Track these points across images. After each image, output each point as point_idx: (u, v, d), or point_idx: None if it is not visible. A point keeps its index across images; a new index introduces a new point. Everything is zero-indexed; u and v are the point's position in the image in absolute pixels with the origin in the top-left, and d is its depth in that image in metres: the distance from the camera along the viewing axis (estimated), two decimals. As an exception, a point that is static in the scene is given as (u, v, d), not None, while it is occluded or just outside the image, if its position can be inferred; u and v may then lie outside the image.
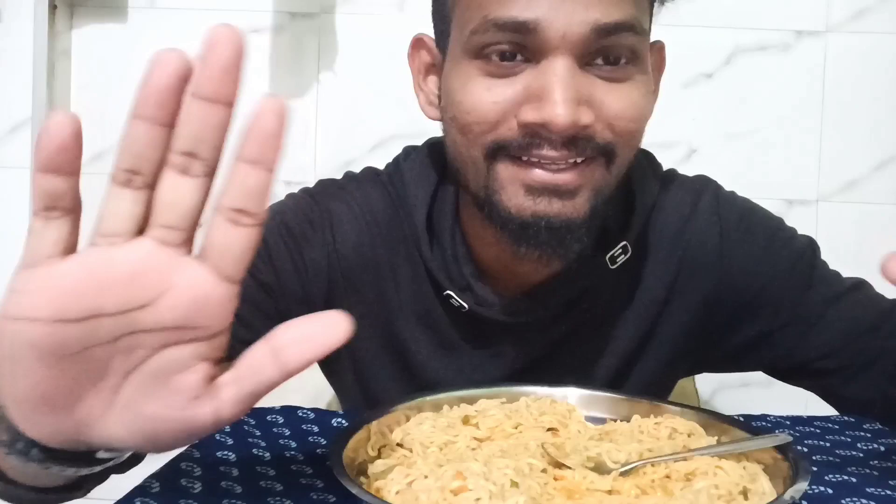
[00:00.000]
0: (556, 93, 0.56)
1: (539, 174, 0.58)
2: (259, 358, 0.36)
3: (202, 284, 0.34)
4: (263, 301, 0.71)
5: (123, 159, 0.33)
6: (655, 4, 0.64)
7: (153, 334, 0.34)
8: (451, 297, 0.69)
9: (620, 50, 0.58)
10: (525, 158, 0.59)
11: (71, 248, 0.34)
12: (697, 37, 1.34)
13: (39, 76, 1.35)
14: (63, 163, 0.32)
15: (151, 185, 0.34)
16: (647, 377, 0.76)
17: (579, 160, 0.59)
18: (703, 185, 0.76)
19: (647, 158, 0.74)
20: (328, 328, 0.36)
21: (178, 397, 0.36)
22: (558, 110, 0.55)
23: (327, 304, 0.72)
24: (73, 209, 0.34)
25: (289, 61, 1.41)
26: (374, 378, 0.76)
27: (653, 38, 0.66)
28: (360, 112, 1.39)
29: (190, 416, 0.36)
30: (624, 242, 0.69)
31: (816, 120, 1.36)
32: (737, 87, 1.36)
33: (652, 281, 0.73)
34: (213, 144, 0.34)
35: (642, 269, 0.73)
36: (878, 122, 1.35)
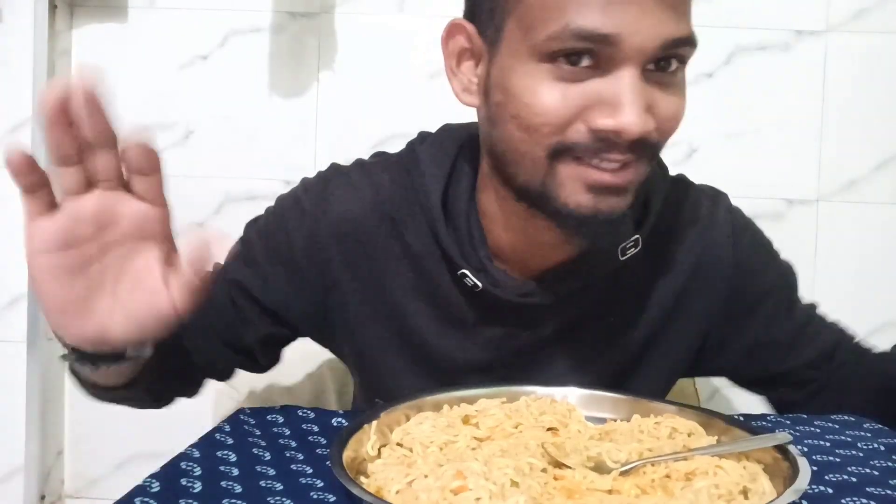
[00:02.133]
0: (631, 103, 0.59)
1: (602, 175, 0.62)
2: (183, 265, 0.52)
3: (141, 209, 0.52)
4: (259, 288, 0.76)
5: (52, 152, 0.49)
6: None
7: (122, 246, 0.52)
8: (466, 276, 0.71)
9: (672, 59, 0.62)
10: (587, 159, 0.62)
11: (53, 205, 0.51)
12: (697, 37, 1.34)
13: (39, 76, 1.34)
14: (29, 171, 0.49)
15: (78, 162, 0.49)
16: (651, 376, 0.78)
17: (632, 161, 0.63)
18: (718, 196, 0.80)
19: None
20: (218, 240, 0.51)
21: (146, 292, 0.53)
22: (632, 119, 0.59)
23: (324, 282, 0.75)
24: (47, 183, 0.50)
25: (289, 61, 1.41)
26: (379, 357, 0.77)
27: None
28: (360, 112, 1.39)
29: (157, 305, 0.53)
30: (636, 236, 0.72)
31: (816, 120, 1.36)
32: (737, 87, 1.36)
33: (664, 280, 0.76)
34: (103, 139, 0.49)
35: (655, 267, 0.76)
36: (878, 122, 1.35)
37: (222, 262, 0.53)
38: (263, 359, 0.82)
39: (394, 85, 1.38)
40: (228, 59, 1.41)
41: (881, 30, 1.34)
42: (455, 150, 0.75)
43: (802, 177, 1.36)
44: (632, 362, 0.77)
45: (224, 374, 0.83)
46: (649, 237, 0.73)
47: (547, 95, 0.61)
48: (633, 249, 0.72)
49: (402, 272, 0.75)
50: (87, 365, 0.58)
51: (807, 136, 1.36)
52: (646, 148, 0.62)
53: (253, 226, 0.80)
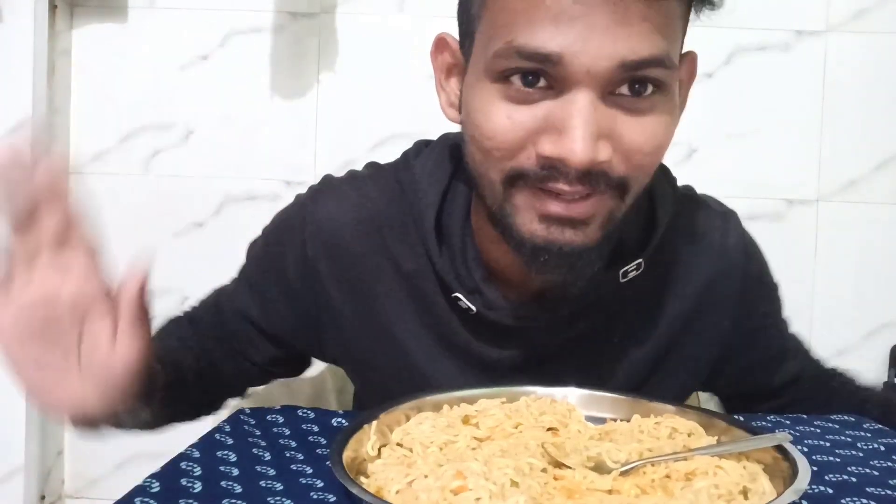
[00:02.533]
0: (576, 129, 0.54)
1: (553, 206, 0.58)
2: (120, 315, 0.53)
3: (73, 287, 0.51)
4: (258, 312, 0.76)
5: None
6: (690, 21, 0.63)
7: (69, 327, 0.52)
8: (459, 299, 0.69)
9: (647, 82, 0.56)
10: (541, 187, 0.58)
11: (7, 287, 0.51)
12: (697, 37, 1.34)
13: (39, 76, 1.34)
14: None
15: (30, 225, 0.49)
16: (662, 394, 0.76)
17: (590, 193, 0.58)
18: (729, 214, 0.77)
19: (662, 171, 0.72)
20: (128, 282, 0.53)
21: (102, 355, 0.53)
22: (577, 147, 0.54)
23: (316, 299, 0.74)
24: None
25: (289, 61, 1.40)
26: (373, 376, 0.76)
27: None
28: (360, 112, 1.39)
29: (115, 363, 0.53)
30: (639, 260, 0.68)
31: (816, 120, 1.36)
32: (737, 87, 1.36)
33: (672, 302, 0.73)
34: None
35: (663, 288, 0.73)
36: (878, 122, 1.35)
37: (145, 298, 0.53)
38: (285, 372, 0.83)
39: (394, 85, 1.38)
40: (229, 60, 1.41)
41: (881, 30, 1.34)
42: (451, 167, 0.71)
43: (802, 177, 1.36)
44: (637, 385, 0.74)
45: (258, 384, 0.85)
46: (656, 256, 0.70)
47: (495, 116, 0.57)
48: (634, 272, 0.69)
49: (393, 290, 0.72)
50: (95, 430, 0.60)
51: (807, 136, 1.36)
52: (603, 180, 0.57)
53: (251, 249, 0.79)
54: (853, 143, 1.35)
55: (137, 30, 1.42)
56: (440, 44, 0.66)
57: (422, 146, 0.76)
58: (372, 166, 0.78)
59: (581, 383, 0.67)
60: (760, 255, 0.79)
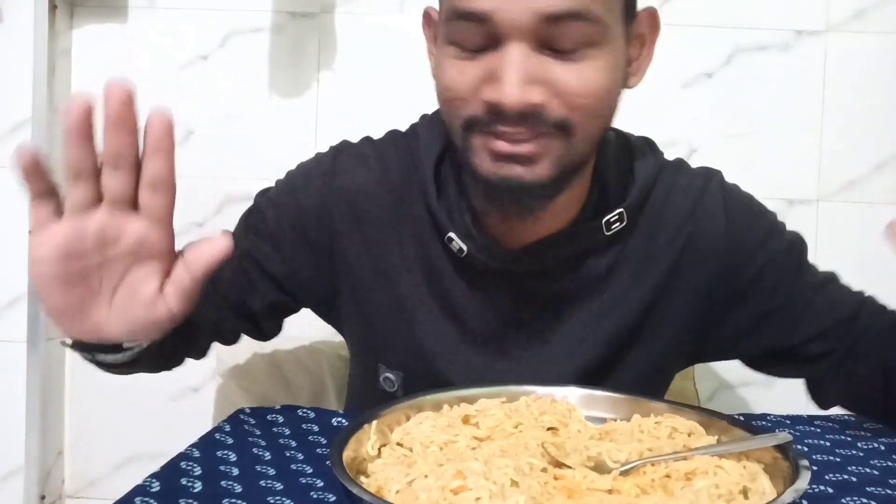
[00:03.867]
0: (508, 74, 0.62)
1: (501, 145, 0.65)
2: (178, 269, 0.56)
3: (142, 229, 0.54)
4: (267, 255, 0.79)
5: (69, 168, 0.52)
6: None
7: (119, 261, 0.55)
8: (453, 239, 0.74)
9: (572, 36, 0.63)
10: (491, 130, 0.65)
11: (59, 214, 0.53)
12: (697, 37, 1.34)
13: (39, 76, 1.34)
14: (39, 174, 0.52)
15: (92, 178, 0.52)
16: (647, 356, 0.78)
17: (535, 133, 0.65)
18: (711, 173, 0.81)
19: (648, 144, 0.80)
20: (215, 244, 0.55)
21: (142, 303, 0.56)
22: (508, 90, 0.62)
23: (332, 247, 0.79)
24: (55, 193, 0.53)
25: (289, 61, 1.41)
26: (378, 324, 0.79)
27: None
28: (359, 112, 1.39)
29: (153, 314, 0.56)
30: (620, 210, 0.74)
31: (816, 120, 1.36)
32: (737, 87, 1.36)
33: (657, 257, 0.77)
34: (127, 153, 0.52)
35: (647, 244, 0.77)
36: (878, 122, 1.35)
37: (216, 266, 0.56)
38: (266, 326, 0.84)
39: (394, 85, 1.38)
40: (228, 60, 1.41)
41: (881, 30, 1.34)
42: None
43: (802, 177, 1.36)
44: (627, 338, 0.77)
45: (229, 340, 0.85)
46: (640, 216, 0.76)
47: (449, 73, 0.66)
48: (618, 224, 0.74)
49: (401, 243, 0.78)
50: (86, 354, 0.63)
51: (807, 136, 1.36)
52: (542, 121, 0.64)
53: (263, 194, 0.83)
54: (853, 143, 1.35)
55: (137, 30, 1.42)
56: (427, 17, 0.74)
57: (427, 115, 0.82)
58: (390, 132, 0.84)
59: (572, 339, 0.74)
60: (753, 213, 0.79)
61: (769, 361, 0.81)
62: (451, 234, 0.74)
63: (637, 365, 0.77)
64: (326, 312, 0.85)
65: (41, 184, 0.52)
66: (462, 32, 0.64)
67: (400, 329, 0.78)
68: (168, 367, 0.78)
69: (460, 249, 0.74)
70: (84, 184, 0.52)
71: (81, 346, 0.62)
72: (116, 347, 0.62)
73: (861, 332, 0.76)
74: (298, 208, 0.79)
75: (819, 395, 0.80)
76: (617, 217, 0.74)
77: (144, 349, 0.64)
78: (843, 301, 0.78)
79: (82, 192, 0.52)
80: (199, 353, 0.83)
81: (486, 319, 0.76)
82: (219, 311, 0.79)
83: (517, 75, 0.62)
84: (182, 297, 0.56)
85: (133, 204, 0.53)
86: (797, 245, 0.80)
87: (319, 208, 0.78)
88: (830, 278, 0.80)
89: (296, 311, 0.85)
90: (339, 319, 0.84)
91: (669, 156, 0.82)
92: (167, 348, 0.70)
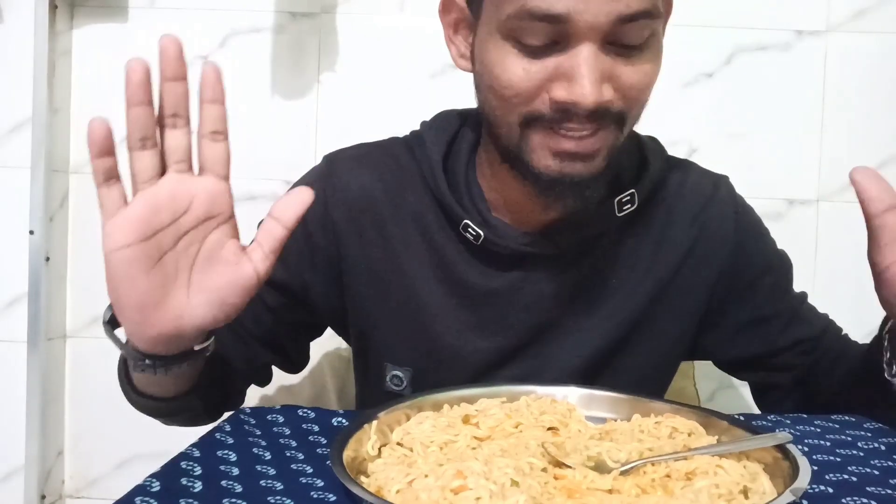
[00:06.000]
0: (584, 76, 0.63)
1: (566, 143, 0.66)
2: (268, 225, 0.58)
3: (210, 186, 0.57)
4: (279, 272, 0.76)
5: (134, 133, 0.53)
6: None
7: (196, 230, 0.56)
8: (469, 226, 0.75)
9: (640, 34, 0.65)
10: (554, 128, 0.66)
11: (125, 199, 0.54)
12: (697, 37, 1.34)
13: (39, 76, 1.34)
14: (109, 148, 0.53)
15: (155, 143, 0.54)
16: (653, 345, 0.79)
17: (597, 129, 0.66)
18: (721, 178, 0.85)
19: (652, 140, 0.83)
20: (299, 194, 0.59)
21: (226, 265, 0.57)
22: (586, 91, 0.63)
23: (337, 252, 0.79)
24: (118, 175, 0.54)
25: (289, 61, 1.41)
26: (384, 323, 0.80)
27: None
28: (360, 112, 1.39)
29: (239, 274, 0.57)
30: (632, 191, 0.76)
31: (816, 120, 1.36)
32: (737, 87, 1.36)
33: (665, 248, 0.79)
34: (183, 105, 0.55)
35: (658, 235, 0.79)
36: (878, 122, 1.35)
37: (304, 212, 0.59)
38: (293, 352, 0.85)
39: (395, 85, 1.38)
40: (229, 60, 1.41)
41: (881, 30, 1.34)
42: (458, 123, 0.81)
43: (802, 177, 1.36)
44: (634, 327, 0.79)
45: (263, 377, 0.85)
46: (652, 203, 0.78)
47: (512, 70, 0.66)
48: (629, 206, 0.76)
49: (403, 237, 0.78)
50: (158, 368, 0.61)
51: (807, 136, 1.36)
52: (607, 116, 0.66)
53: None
54: (853, 143, 1.35)
55: (137, 30, 1.42)
56: (448, 3, 0.73)
57: (427, 122, 0.83)
58: (391, 137, 0.85)
59: (581, 326, 0.76)
60: (755, 220, 0.84)
61: (747, 366, 0.85)
62: (468, 221, 0.75)
63: (643, 353, 0.79)
64: (337, 322, 0.85)
65: (111, 162, 0.53)
66: (529, 30, 0.64)
67: (410, 324, 0.78)
68: (210, 412, 0.76)
69: (477, 235, 0.75)
70: (149, 150, 0.54)
71: (151, 363, 0.60)
72: (184, 356, 0.61)
73: (824, 350, 0.81)
74: (303, 221, 0.78)
75: (765, 400, 0.85)
76: (628, 198, 0.76)
77: (201, 372, 0.66)
78: (817, 318, 0.84)
79: (148, 159, 0.54)
80: (238, 398, 0.82)
81: (501, 310, 0.77)
82: (248, 346, 0.80)
83: (594, 76, 0.63)
84: (270, 252, 0.58)
85: (192, 167, 0.56)
86: (788, 262, 0.85)
87: (322, 216, 0.79)
88: (805, 296, 0.85)
89: (318, 332, 0.86)
90: (346, 325, 0.84)
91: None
92: (214, 378, 0.71)
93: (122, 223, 0.53)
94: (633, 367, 0.79)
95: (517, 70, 0.65)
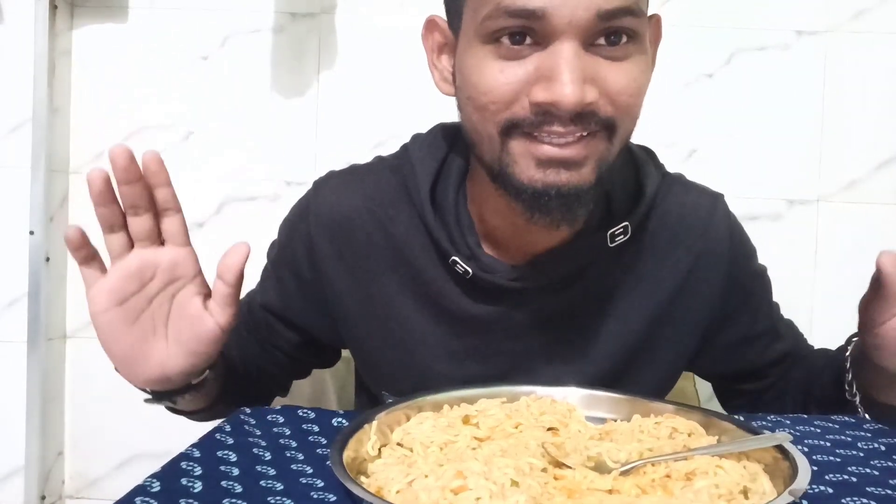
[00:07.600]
0: (564, 74, 0.60)
1: (548, 149, 0.62)
2: (217, 285, 0.64)
3: (172, 254, 0.63)
4: (278, 308, 0.83)
5: (104, 223, 0.61)
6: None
7: (164, 292, 0.64)
8: (457, 262, 0.72)
9: (621, 31, 0.62)
10: (536, 134, 0.63)
11: (104, 270, 0.63)
12: (697, 37, 1.34)
13: (39, 76, 1.35)
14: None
15: (123, 227, 0.62)
16: (652, 371, 0.78)
17: (584, 134, 0.63)
18: (717, 197, 0.81)
19: (647, 153, 0.79)
20: (236, 251, 0.63)
21: (191, 320, 0.64)
22: (566, 90, 0.59)
23: (322, 280, 0.78)
24: (96, 254, 0.62)
25: (289, 61, 1.41)
26: (373, 350, 0.79)
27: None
28: (360, 112, 1.39)
29: (203, 328, 0.64)
30: (625, 223, 0.73)
31: (816, 120, 1.36)
32: (737, 87, 1.36)
33: (662, 274, 0.77)
34: (140, 198, 0.61)
35: (654, 261, 0.77)
36: (878, 122, 1.35)
37: (243, 267, 0.63)
38: (326, 357, 0.88)
39: (394, 85, 1.38)
40: (229, 60, 1.41)
41: (881, 30, 1.34)
42: (447, 146, 0.77)
43: (802, 177, 1.36)
44: (631, 355, 0.77)
45: (301, 375, 0.90)
46: (646, 230, 0.75)
47: (489, 74, 0.63)
48: (622, 236, 0.73)
49: (389, 265, 0.76)
50: (166, 401, 0.68)
51: (807, 136, 1.36)
52: (593, 120, 0.62)
53: (270, 248, 0.85)
54: (853, 143, 1.36)
55: (137, 30, 1.42)
56: (430, 25, 0.71)
57: (417, 135, 0.80)
58: (375, 158, 0.83)
59: (576, 356, 0.74)
60: (746, 238, 0.82)
61: (734, 379, 0.85)
62: (455, 258, 0.72)
63: (641, 381, 0.77)
64: (338, 344, 0.86)
65: (87, 251, 0.61)
66: (507, 30, 0.61)
67: (401, 357, 0.77)
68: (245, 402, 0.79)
69: (465, 272, 0.72)
70: (118, 233, 0.61)
71: (160, 397, 0.68)
72: (185, 389, 0.67)
73: (794, 359, 0.83)
74: (292, 250, 0.80)
75: (731, 405, 0.86)
76: (621, 231, 0.73)
77: (220, 386, 0.72)
78: (788, 329, 0.85)
79: (118, 240, 0.62)
80: (281, 391, 0.89)
81: (492, 338, 0.75)
82: (279, 361, 0.84)
83: (574, 74, 0.59)
84: (224, 306, 0.63)
85: (160, 241, 0.63)
86: (768, 275, 0.84)
87: (308, 245, 0.78)
88: (779, 307, 0.85)
89: (327, 345, 0.86)
90: (348, 347, 0.85)
91: (669, 156, 0.82)
92: (239, 387, 0.77)
93: (100, 292, 0.62)
94: (632, 384, 0.77)
95: (494, 73, 0.62)
